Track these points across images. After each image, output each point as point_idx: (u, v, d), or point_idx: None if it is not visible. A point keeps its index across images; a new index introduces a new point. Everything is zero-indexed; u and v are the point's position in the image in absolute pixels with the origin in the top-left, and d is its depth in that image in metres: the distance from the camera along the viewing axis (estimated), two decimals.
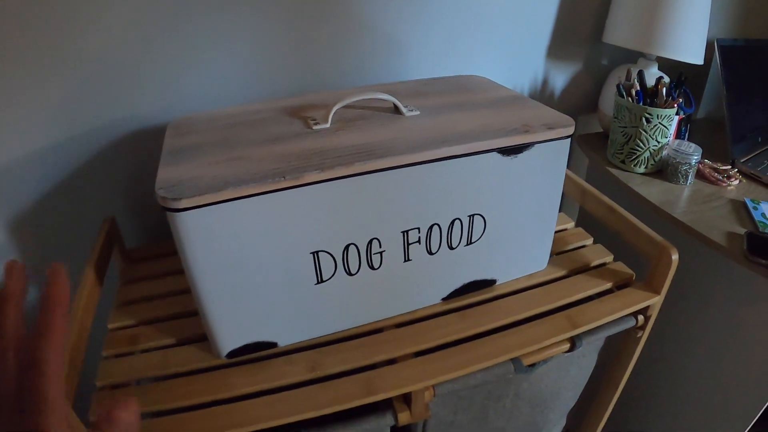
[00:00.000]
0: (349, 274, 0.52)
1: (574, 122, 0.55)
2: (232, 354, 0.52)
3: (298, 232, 0.47)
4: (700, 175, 0.86)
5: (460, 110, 0.58)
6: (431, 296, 0.59)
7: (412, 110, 0.58)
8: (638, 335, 0.66)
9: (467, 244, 0.57)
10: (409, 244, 0.53)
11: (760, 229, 0.70)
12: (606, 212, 0.69)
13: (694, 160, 0.81)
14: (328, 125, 0.54)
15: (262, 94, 0.74)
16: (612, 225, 0.68)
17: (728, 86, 0.91)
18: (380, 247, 0.52)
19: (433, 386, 0.52)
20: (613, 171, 0.87)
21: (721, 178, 0.84)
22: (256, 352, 0.53)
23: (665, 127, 0.81)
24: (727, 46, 0.93)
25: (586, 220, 0.93)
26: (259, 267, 0.47)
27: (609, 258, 0.68)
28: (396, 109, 0.58)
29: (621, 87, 0.83)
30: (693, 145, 0.83)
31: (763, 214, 0.74)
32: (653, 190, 0.81)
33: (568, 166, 1.07)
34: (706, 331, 0.80)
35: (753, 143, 0.96)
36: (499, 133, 0.52)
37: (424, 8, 0.78)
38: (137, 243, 0.78)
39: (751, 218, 0.74)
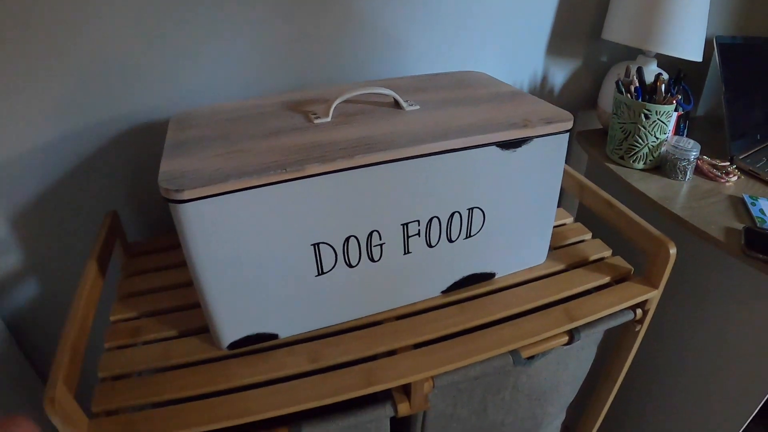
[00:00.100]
0: (350, 266, 0.52)
1: (572, 117, 0.55)
2: (234, 345, 0.53)
3: (299, 224, 0.48)
4: (698, 171, 0.87)
5: (460, 105, 0.59)
6: (431, 289, 0.60)
7: (412, 105, 0.58)
8: (636, 329, 0.66)
9: (467, 237, 0.57)
10: (409, 237, 0.53)
11: (758, 225, 0.71)
12: (604, 207, 0.69)
13: (692, 157, 0.81)
14: (328, 119, 0.55)
15: (263, 89, 0.75)
16: (610, 220, 0.68)
17: (727, 84, 0.91)
18: (380, 239, 0.52)
19: (433, 378, 0.52)
20: (612, 167, 0.88)
21: (719, 174, 0.84)
22: (258, 344, 0.54)
23: (664, 123, 0.81)
24: (726, 44, 0.93)
25: (585, 216, 0.94)
26: (260, 258, 0.48)
27: (607, 253, 0.69)
28: (396, 104, 0.59)
29: (620, 83, 0.84)
30: (692, 142, 0.83)
31: (761, 210, 0.75)
32: (652, 186, 0.82)
33: (568, 163, 1.08)
34: (703, 325, 0.80)
35: (752, 140, 0.96)
36: (498, 127, 0.52)
37: (424, 5, 0.79)
38: (139, 237, 0.79)
39: (749, 214, 0.74)
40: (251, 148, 0.48)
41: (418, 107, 0.58)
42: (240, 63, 0.72)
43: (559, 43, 0.94)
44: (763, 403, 0.75)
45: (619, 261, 0.67)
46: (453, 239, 0.56)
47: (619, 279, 0.64)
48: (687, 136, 0.94)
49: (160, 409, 0.47)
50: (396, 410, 0.52)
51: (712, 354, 0.80)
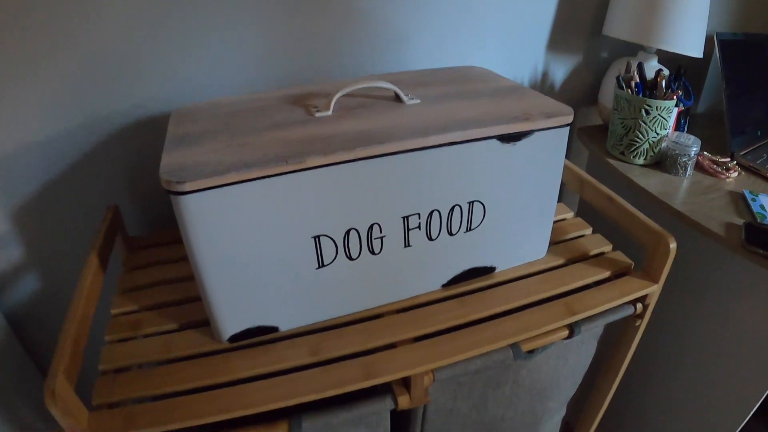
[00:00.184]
0: (350, 258, 0.52)
1: (573, 111, 0.55)
2: (234, 338, 0.53)
3: (299, 217, 0.48)
4: (699, 167, 0.87)
5: (461, 99, 0.59)
6: (431, 282, 0.60)
7: (412, 99, 0.58)
8: (637, 324, 0.66)
9: (467, 231, 0.57)
10: (409, 230, 0.53)
11: (758, 220, 0.71)
12: (605, 202, 0.69)
13: (693, 152, 0.81)
14: (329, 113, 0.55)
15: (263, 83, 0.75)
16: (611, 215, 0.68)
17: (727, 80, 0.91)
18: (381, 232, 0.52)
19: (433, 371, 0.52)
20: (613, 162, 0.88)
21: (720, 170, 0.84)
22: (258, 337, 0.54)
23: (664, 118, 0.81)
24: (727, 40, 0.93)
25: (585, 211, 0.94)
26: (260, 251, 0.48)
27: (608, 247, 0.69)
28: (397, 98, 0.59)
29: (620, 79, 0.84)
30: (692, 137, 0.83)
31: (761, 206, 0.75)
32: (652, 181, 0.82)
33: (569, 158, 1.08)
34: (703, 320, 0.80)
35: (752, 136, 0.96)
36: (498, 121, 0.52)
37: (425, 0, 0.79)
38: (140, 231, 0.79)
39: (749, 209, 0.74)
40: (252, 141, 0.48)
41: (418, 101, 0.58)
42: (241, 58, 0.72)
43: (559, 38, 0.94)
44: (764, 398, 0.75)
45: (619, 256, 0.67)
46: (453, 233, 0.56)
47: (620, 273, 0.64)
48: (687, 132, 0.94)
49: (161, 401, 0.47)
50: (396, 403, 0.52)
51: (713, 348, 0.80)
